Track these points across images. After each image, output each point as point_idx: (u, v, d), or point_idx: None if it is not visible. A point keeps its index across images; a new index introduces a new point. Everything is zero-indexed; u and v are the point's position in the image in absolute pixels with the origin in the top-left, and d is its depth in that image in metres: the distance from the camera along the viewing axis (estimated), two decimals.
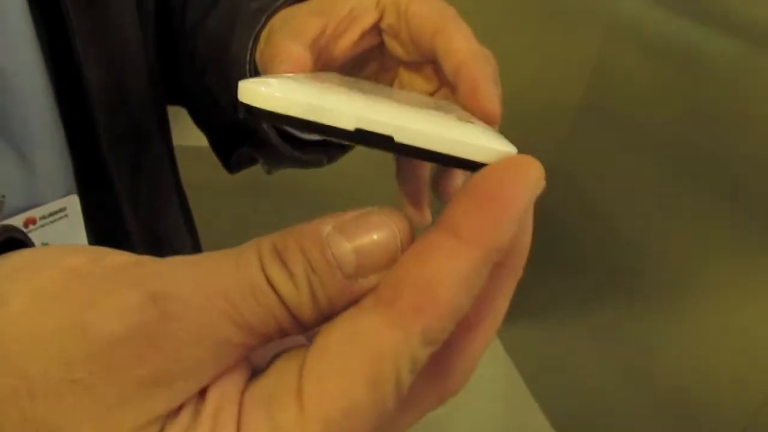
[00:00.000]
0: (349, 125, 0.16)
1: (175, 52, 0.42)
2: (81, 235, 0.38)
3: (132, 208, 0.39)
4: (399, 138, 0.16)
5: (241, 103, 0.16)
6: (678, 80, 0.99)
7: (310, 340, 0.14)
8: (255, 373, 0.15)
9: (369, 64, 0.32)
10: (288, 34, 0.28)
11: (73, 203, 0.37)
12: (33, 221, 0.36)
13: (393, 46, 0.30)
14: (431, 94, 0.31)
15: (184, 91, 0.43)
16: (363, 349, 0.13)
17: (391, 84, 0.33)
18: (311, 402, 0.13)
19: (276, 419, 0.13)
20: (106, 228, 0.39)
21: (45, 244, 0.37)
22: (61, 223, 0.37)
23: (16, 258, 0.15)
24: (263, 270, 0.14)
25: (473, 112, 0.25)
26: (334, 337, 0.14)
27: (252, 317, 0.14)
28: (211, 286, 0.14)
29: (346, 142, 0.16)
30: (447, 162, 0.16)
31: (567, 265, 1.29)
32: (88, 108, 0.34)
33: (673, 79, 1.00)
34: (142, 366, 0.13)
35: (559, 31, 1.13)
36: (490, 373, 1.48)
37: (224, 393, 0.14)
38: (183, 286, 0.14)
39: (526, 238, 0.16)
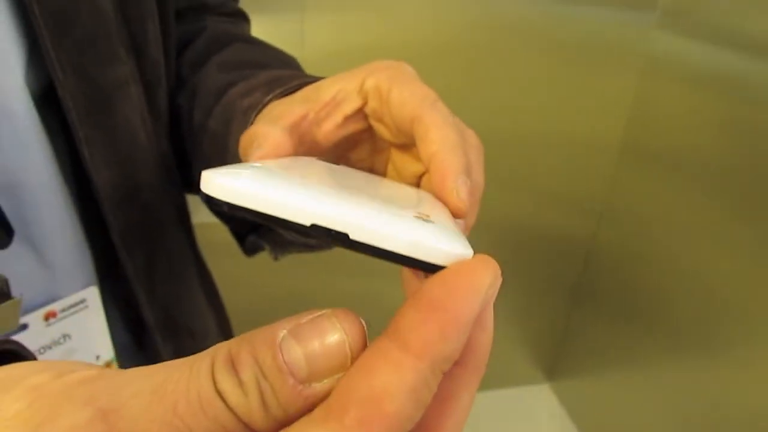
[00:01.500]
0: (305, 221, 0.16)
1: (184, 150, 0.44)
2: (101, 324, 0.40)
3: (147, 297, 0.40)
4: (354, 236, 0.16)
5: (202, 192, 0.16)
6: (720, 110, 0.96)
7: None
8: None
9: (361, 146, 0.32)
10: (267, 120, 0.29)
11: (92, 294, 0.39)
12: (53, 314, 0.37)
13: (380, 129, 0.30)
14: (422, 175, 0.31)
15: (195, 184, 0.45)
16: None
17: (385, 165, 0.33)
18: None
19: None
20: (125, 317, 0.41)
21: (67, 336, 0.38)
22: (82, 314, 0.39)
23: None
24: (213, 378, 0.14)
25: (444, 203, 0.25)
26: None
27: (199, 429, 0.14)
28: (162, 399, 0.14)
29: (303, 237, 0.16)
30: (402, 262, 0.16)
31: (620, 312, 1.24)
32: (99, 206, 0.36)
33: (714, 109, 0.97)
34: None
35: (597, 69, 1.12)
36: (546, 428, 1.42)
37: None
38: (136, 400, 0.14)
39: (486, 338, 0.16)
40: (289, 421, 0.14)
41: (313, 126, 0.30)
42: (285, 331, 0.14)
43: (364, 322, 0.15)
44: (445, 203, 0.24)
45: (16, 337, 0.35)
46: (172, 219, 0.43)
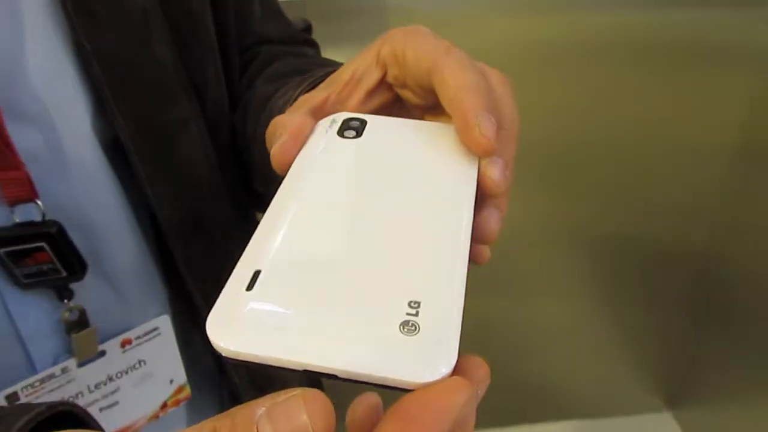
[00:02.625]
0: (298, 367, 0.17)
1: (242, 165, 0.46)
2: (174, 350, 0.43)
3: None
4: (342, 374, 0.17)
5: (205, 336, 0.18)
6: None
7: None
8: None
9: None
10: (291, 110, 0.30)
11: (164, 323, 0.42)
12: (129, 342, 0.40)
13: (407, 95, 0.30)
14: None
15: (260, 197, 0.47)
16: None
17: None
18: None
19: None
20: (195, 344, 0.43)
21: (142, 361, 0.41)
22: (156, 341, 0.42)
23: None
24: None
25: (467, 147, 0.25)
26: None
27: None
28: None
29: None
30: (388, 388, 0.17)
31: (747, 333, 1.13)
32: (165, 239, 0.39)
33: None
34: None
35: (707, 72, 1.05)
36: None
37: None
38: None
39: None
40: None
41: (336, 107, 0.30)
42: (263, 409, 0.16)
43: (330, 403, 0.16)
44: (469, 145, 0.24)
45: (95, 364, 0.39)
46: (239, 245, 0.45)
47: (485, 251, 0.28)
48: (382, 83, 0.30)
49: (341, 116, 0.28)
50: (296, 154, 0.26)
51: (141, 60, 0.36)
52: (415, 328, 0.18)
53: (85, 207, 0.36)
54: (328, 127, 0.27)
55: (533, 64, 0.99)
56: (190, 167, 0.40)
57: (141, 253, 0.40)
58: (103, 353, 0.39)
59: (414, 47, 0.27)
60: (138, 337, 0.41)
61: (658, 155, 1.12)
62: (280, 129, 0.27)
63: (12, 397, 0.35)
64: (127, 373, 0.41)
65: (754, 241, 1.10)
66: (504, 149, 0.26)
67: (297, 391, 0.16)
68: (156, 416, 0.43)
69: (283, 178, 0.25)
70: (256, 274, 0.20)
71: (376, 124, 0.27)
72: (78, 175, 0.35)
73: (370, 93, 0.30)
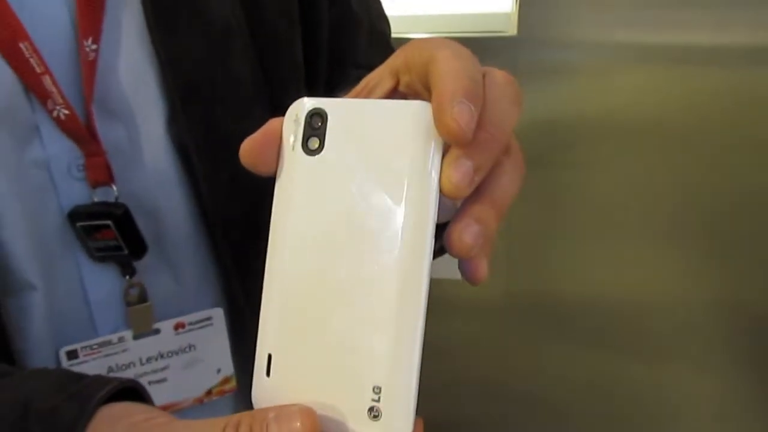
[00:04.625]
0: None
1: None
2: (224, 342, 0.46)
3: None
4: None
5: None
6: None
7: None
8: None
9: None
10: None
11: (217, 314, 0.45)
12: (182, 325, 0.44)
13: None
14: None
15: None
16: None
17: None
18: None
19: None
20: (243, 339, 0.46)
21: (192, 346, 0.45)
22: (208, 329, 0.45)
23: (109, 411, 0.26)
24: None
25: (438, 130, 0.23)
26: None
27: None
28: None
29: None
30: None
31: None
32: (218, 237, 0.42)
33: None
34: None
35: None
36: None
37: None
38: None
39: None
40: None
41: None
42: (273, 413, 0.23)
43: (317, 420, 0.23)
44: (438, 129, 0.23)
45: (149, 339, 0.43)
46: None
47: (479, 270, 0.26)
48: (395, 92, 0.30)
49: (302, 111, 0.26)
50: (266, 152, 0.27)
51: (216, 74, 0.41)
52: (378, 413, 0.23)
53: (154, 196, 0.41)
54: (292, 135, 0.27)
55: (673, 114, 0.93)
56: (250, 177, 0.43)
57: (200, 245, 0.44)
58: (157, 331, 0.43)
59: (420, 47, 0.27)
60: (191, 323, 0.44)
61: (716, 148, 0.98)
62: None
63: (72, 354, 0.41)
64: (177, 354, 0.44)
65: None
66: (480, 152, 0.24)
67: (295, 406, 0.23)
68: (201, 401, 0.46)
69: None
70: (270, 358, 0.25)
71: (337, 118, 0.26)
72: (151, 168, 0.40)
73: None
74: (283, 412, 0.23)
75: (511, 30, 0.98)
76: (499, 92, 0.25)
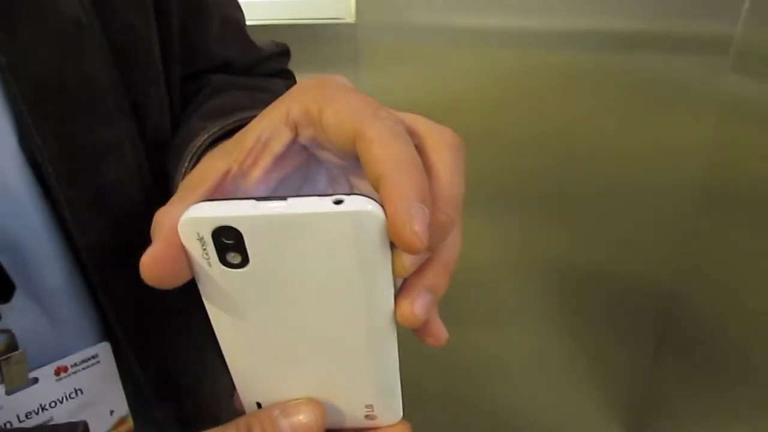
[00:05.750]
0: None
1: None
2: (114, 379, 0.41)
3: (137, 356, 0.40)
4: None
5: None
6: None
7: None
8: None
9: (316, 177, 0.30)
10: (186, 186, 0.26)
11: (104, 350, 0.40)
12: (65, 369, 0.39)
13: (325, 156, 0.27)
14: None
15: None
16: None
17: (350, 189, 0.30)
18: None
19: None
20: (132, 377, 0.41)
21: (79, 390, 0.39)
22: (94, 369, 0.40)
23: None
24: None
25: (394, 240, 0.22)
26: None
27: None
28: None
29: None
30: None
31: (705, 368, 1.11)
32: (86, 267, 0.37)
33: None
34: None
35: (672, 115, 1.07)
36: None
37: None
38: None
39: None
40: None
41: (239, 181, 0.26)
42: (278, 411, 0.27)
43: (322, 408, 0.28)
44: (396, 240, 0.22)
45: (26, 392, 0.37)
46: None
47: (440, 333, 0.27)
48: (294, 145, 0.27)
49: (204, 229, 0.23)
50: (174, 266, 0.24)
51: (68, 77, 0.35)
52: (374, 417, 0.29)
53: (10, 227, 0.35)
54: (202, 252, 0.23)
55: (503, 96, 1.00)
56: (120, 193, 0.38)
57: (72, 277, 0.38)
58: (35, 380, 0.37)
59: (332, 107, 0.24)
60: (75, 365, 0.39)
61: (628, 192, 1.15)
62: (155, 230, 0.25)
63: None
64: (62, 402, 0.39)
65: (715, 279, 1.10)
66: (435, 274, 0.25)
67: (302, 399, 0.28)
68: None
69: None
70: (259, 406, 0.29)
71: (256, 232, 0.22)
72: (3, 195, 0.34)
73: (280, 158, 0.27)
74: (288, 406, 0.26)
75: (350, 17, 0.98)
76: (449, 162, 0.25)
